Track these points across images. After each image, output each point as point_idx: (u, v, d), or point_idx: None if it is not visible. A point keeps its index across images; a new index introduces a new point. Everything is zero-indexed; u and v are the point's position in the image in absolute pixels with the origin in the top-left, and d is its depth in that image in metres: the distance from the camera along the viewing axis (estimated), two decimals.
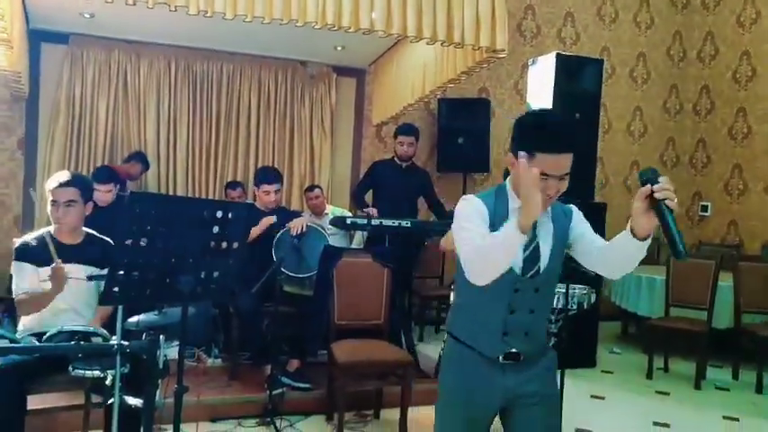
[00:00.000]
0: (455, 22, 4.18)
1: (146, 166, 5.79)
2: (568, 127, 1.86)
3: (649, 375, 5.34)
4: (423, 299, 6.36)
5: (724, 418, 4.48)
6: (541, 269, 1.93)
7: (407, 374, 3.79)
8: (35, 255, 3.03)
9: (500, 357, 1.97)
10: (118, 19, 5.24)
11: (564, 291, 3.45)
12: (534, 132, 1.83)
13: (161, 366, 2.48)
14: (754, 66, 7.23)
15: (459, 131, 6.69)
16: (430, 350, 5.36)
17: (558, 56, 5.50)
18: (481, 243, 1.78)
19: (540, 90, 5.55)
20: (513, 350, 1.97)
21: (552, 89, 5.39)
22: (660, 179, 1.62)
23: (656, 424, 4.28)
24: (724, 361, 5.66)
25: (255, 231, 4.40)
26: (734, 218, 7.41)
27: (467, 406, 2.01)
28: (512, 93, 7.38)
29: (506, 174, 2.09)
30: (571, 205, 2.03)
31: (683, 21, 8.11)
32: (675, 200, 1.62)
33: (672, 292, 5.58)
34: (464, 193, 6.87)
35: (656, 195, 1.61)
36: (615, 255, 1.83)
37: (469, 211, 1.91)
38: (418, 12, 4.10)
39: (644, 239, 1.71)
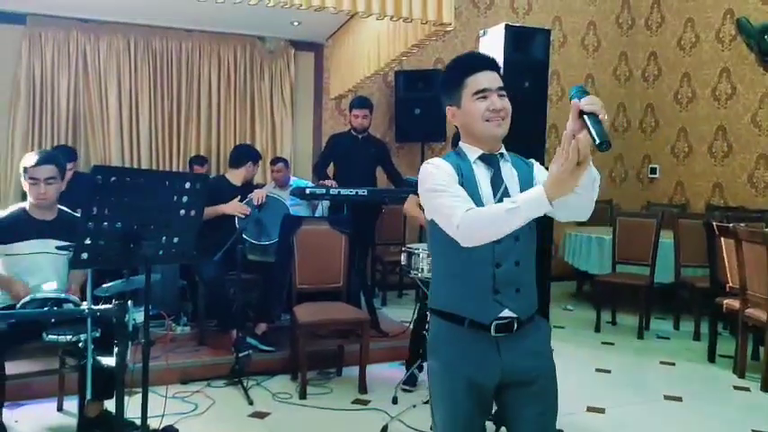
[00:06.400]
0: None
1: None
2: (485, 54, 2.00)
3: (597, 329, 5.68)
4: (385, 264, 6.61)
5: (661, 363, 4.83)
6: None
7: (365, 332, 4.05)
8: (8, 231, 3.17)
9: (492, 329, 1.83)
10: None
11: None
12: (461, 62, 1.95)
13: (130, 329, 2.67)
14: (697, 33, 7.54)
15: (417, 102, 6.87)
16: (392, 314, 5.64)
17: (507, 27, 5.69)
18: (482, 210, 1.72)
19: None
20: (506, 313, 1.83)
21: (502, 60, 5.60)
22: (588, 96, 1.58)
23: (598, 370, 4.62)
24: (667, 313, 6.03)
25: (223, 209, 4.57)
26: (680, 179, 7.78)
27: (467, 383, 1.84)
28: None
29: (455, 140, 2.17)
30: (531, 159, 2.01)
31: None
32: (604, 113, 1.55)
33: (618, 250, 5.92)
34: (422, 162, 7.08)
35: (584, 108, 1.55)
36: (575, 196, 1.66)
37: (439, 174, 1.83)
38: None
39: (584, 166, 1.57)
